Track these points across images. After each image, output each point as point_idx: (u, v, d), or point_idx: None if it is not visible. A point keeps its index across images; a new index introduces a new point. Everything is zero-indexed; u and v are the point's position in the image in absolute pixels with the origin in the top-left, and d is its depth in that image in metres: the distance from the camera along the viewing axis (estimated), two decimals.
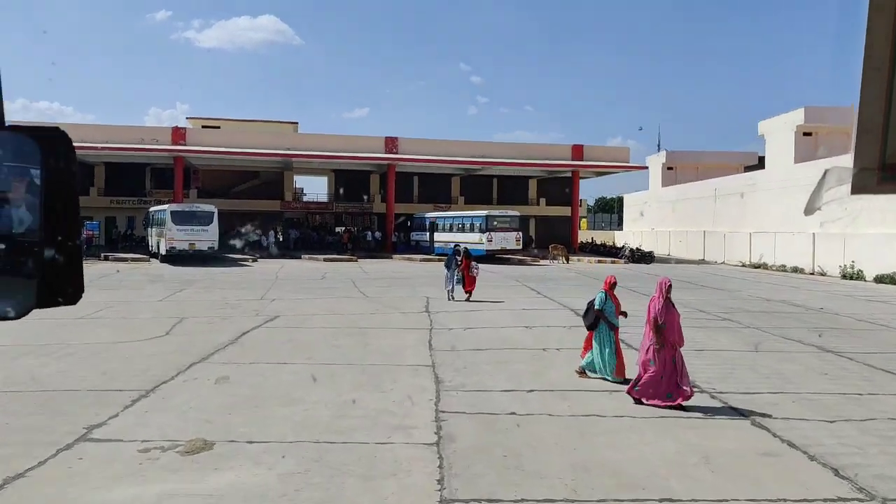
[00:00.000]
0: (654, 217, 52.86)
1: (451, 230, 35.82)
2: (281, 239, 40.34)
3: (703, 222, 43.32)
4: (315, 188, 53.83)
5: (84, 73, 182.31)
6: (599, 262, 35.93)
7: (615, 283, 8.99)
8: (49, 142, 1.11)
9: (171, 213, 29.71)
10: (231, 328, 12.68)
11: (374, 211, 46.33)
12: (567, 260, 34.59)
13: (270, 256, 36.47)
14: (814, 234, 31.74)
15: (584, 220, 63.11)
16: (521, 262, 34.71)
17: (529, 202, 49.72)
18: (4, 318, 1.13)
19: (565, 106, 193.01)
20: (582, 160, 42.08)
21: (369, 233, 41.93)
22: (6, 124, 1.14)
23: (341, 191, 47.72)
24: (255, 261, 32.93)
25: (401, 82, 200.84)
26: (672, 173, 52.71)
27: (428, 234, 38.16)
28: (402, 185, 45.86)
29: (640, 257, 36.61)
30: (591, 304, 8.79)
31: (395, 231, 40.94)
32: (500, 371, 9.20)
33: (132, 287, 20.63)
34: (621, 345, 8.93)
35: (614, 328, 8.63)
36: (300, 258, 35.72)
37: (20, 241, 1.13)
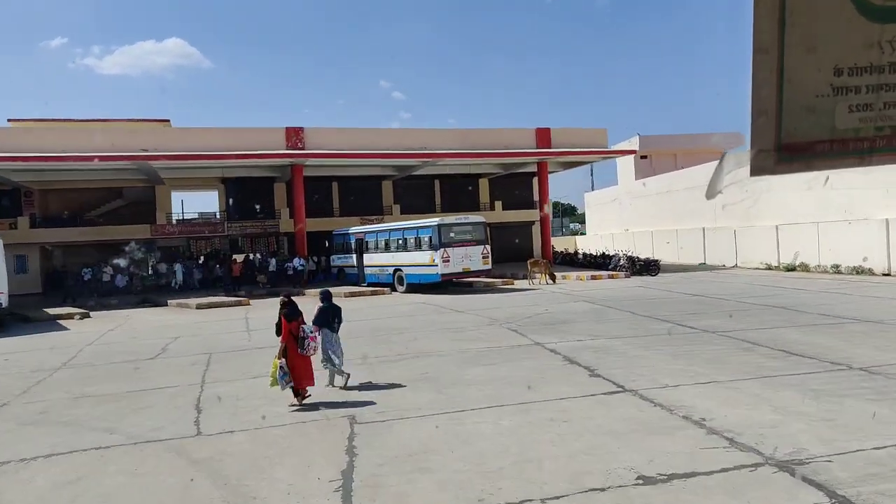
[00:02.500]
0: (628, 215, 43.87)
1: (387, 249, 25.21)
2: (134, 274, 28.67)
3: (698, 218, 34.40)
4: (204, 206, 42.22)
5: None
6: (593, 277, 26.12)
7: None
8: None
9: None
10: None
11: (282, 230, 35.18)
12: (553, 278, 24.59)
13: (114, 306, 25.09)
14: (887, 219, 22.96)
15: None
16: (489, 287, 24.47)
17: (481, 207, 39.66)
18: None
19: (489, 116, 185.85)
20: (550, 147, 32.38)
21: (273, 260, 30.65)
22: None
23: (230, 203, 36.31)
24: (83, 317, 21.33)
25: (321, 101, 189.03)
26: (646, 163, 44.00)
27: (355, 256, 27.40)
28: (316, 194, 35.04)
29: (644, 267, 27.08)
30: None
31: (308, 255, 29.95)
32: None
33: None
34: None
35: None
36: (165, 305, 24.29)
37: None
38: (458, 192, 40.13)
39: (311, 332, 8.40)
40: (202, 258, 35.84)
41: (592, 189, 63.36)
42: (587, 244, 47.44)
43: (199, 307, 22.42)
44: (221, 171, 33.15)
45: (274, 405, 8.26)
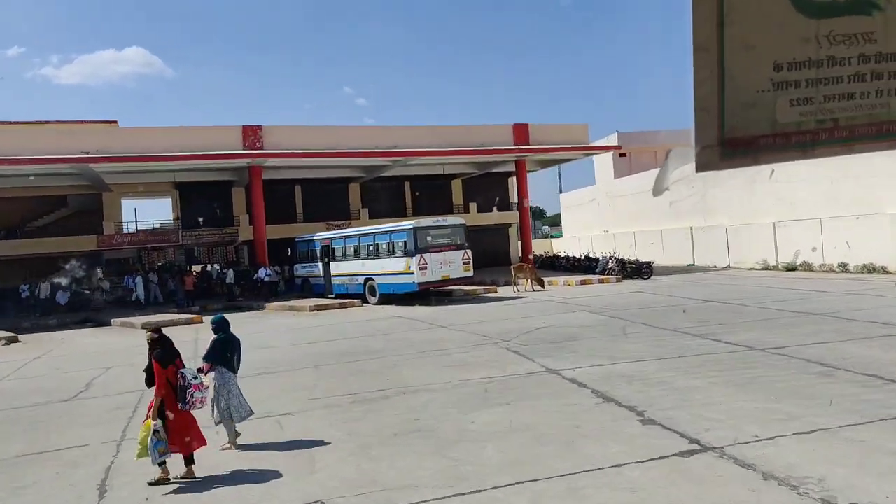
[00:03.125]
0: (607, 216, 42.17)
1: (357, 256, 22.75)
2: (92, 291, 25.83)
3: (683, 217, 32.74)
4: (160, 214, 39.23)
5: None
6: (583, 282, 24.06)
7: None
8: None
9: None
10: None
11: (241, 238, 32.47)
12: (541, 284, 22.45)
13: (51, 327, 22.36)
14: None
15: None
16: (471, 297, 22.21)
17: (455, 209, 37.45)
18: None
19: (454, 120, 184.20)
20: (528, 144, 30.33)
21: (230, 271, 27.88)
22: None
23: (185, 211, 33.47)
24: (10, 342, 18.47)
25: (285, 109, 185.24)
26: (625, 161, 42.26)
27: (321, 265, 24.87)
28: (278, 199, 32.49)
29: (636, 271, 25.13)
30: None
31: (269, 265, 27.30)
32: None
33: None
34: None
35: None
36: (108, 325, 21.55)
37: None
38: (430, 194, 37.89)
39: (196, 379, 6.13)
40: (156, 270, 33.00)
41: (560, 191, 61.73)
42: (564, 247, 45.67)
43: (143, 327, 19.71)
44: (173, 176, 30.37)
45: (202, 476, 5.86)
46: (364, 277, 22.15)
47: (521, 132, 30.40)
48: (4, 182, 28.75)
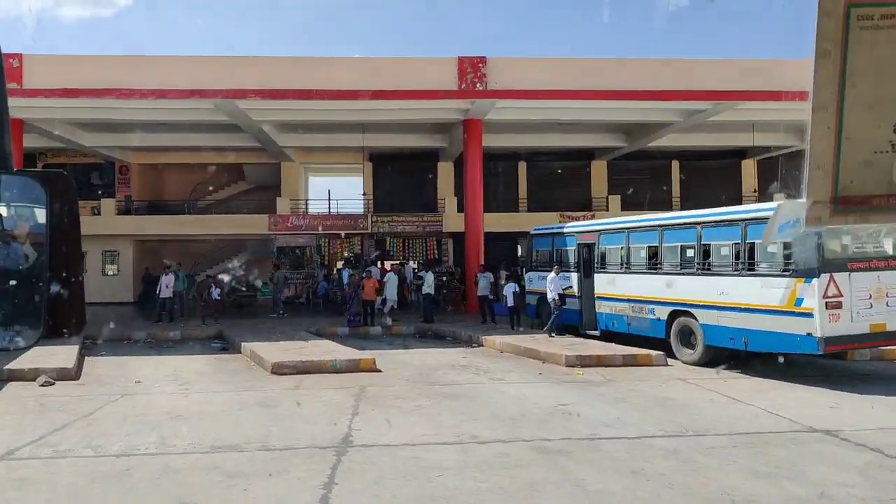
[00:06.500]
0: None
1: (654, 266, 11.87)
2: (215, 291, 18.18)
3: None
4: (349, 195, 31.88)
5: None
6: None
7: None
8: (53, 184, 1.18)
9: None
10: None
11: (446, 229, 23.61)
12: None
13: (164, 344, 14.91)
14: None
15: None
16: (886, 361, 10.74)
17: (744, 198, 25.54)
18: (15, 347, 1.26)
19: None
20: None
21: (430, 274, 18.47)
22: (15, 169, 1.22)
23: (378, 189, 25.46)
24: (47, 384, 10.59)
25: None
26: None
27: (574, 277, 14.63)
28: (494, 179, 23.34)
29: None
30: None
31: (482, 269, 17.72)
32: None
33: None
34: None
35: None
36: (239, 351, 13.38)
37: (28, 278, 1.19)
38: (708, 176, 26.37)
39: None
40: (341, 266, 25.31)
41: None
42: None
43: (276, 371, 11.01)
44: (362, 139, 22.22)
45: None
46: (669, 309, 11.56)
47: None
48: (166, 140, 22.80)
